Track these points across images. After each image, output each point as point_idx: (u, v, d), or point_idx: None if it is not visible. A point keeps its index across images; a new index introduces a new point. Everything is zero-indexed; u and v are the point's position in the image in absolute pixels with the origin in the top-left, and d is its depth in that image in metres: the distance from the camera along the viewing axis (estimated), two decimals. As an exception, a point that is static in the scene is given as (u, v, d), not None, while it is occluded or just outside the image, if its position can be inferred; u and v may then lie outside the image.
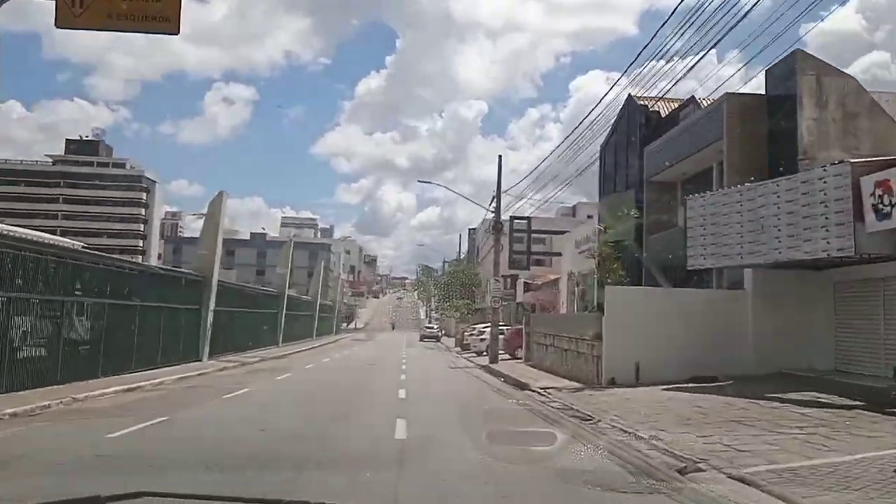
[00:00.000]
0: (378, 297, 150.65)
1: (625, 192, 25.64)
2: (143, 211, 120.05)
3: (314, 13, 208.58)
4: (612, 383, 16.68)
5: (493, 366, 26.48)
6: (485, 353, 35.31)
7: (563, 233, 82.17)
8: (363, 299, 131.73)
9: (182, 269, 27.80)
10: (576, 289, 36.26)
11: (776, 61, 18.08)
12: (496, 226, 29.36)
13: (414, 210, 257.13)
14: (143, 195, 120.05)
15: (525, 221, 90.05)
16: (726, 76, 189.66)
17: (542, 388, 16.86)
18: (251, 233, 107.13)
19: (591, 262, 30.38)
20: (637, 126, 25.69)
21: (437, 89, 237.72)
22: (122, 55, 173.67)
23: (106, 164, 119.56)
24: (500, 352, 29.22)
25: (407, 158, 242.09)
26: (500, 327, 35.45)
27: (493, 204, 30.04)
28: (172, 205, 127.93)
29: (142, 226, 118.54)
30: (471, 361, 31.98)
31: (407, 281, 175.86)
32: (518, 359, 30.07)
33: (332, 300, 72.82)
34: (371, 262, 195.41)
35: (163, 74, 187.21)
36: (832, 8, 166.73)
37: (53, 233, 52.38)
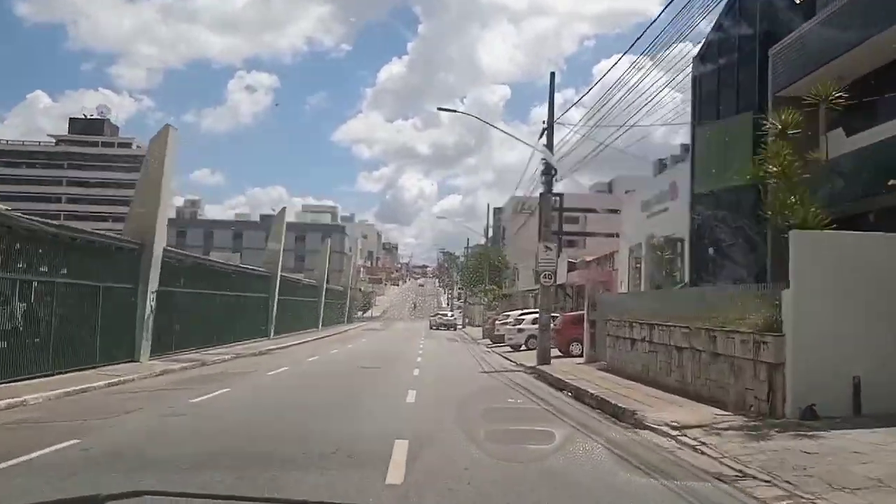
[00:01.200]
0: (398, 285, 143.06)
1: (736, 117, 17.32)
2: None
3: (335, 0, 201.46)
4: (810, 416, 8.57)
5: (544, 369, 18.43)
6: (524, 348, 27.31)
7: (596, 212, 73.33)
8: (382, 286, 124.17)
9: (108, 234, 19.99)
10: (640, 265, 28.02)
11: None
12: (547, 170, 21.19)
13: (435, 197, 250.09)
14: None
15: (556, 198, 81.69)
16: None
17: (669, 426, 8.79)
18: (261, 215, 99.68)
19: (676, 223, 22.21)
20: (755, 18, 17.35)
21: (459, 75, 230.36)
22: (146, 44, 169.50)
23: (111, 144, 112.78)
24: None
25: (428, 145, 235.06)
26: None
27: (543, 138, 21.88)
28: (194, 193, 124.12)
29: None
30: (509, 360, 23.97)
31: (428, 269, 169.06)
32: (575, 356, 22.00)
33: (344, 286, 65.09)
34: (391, 249, 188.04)
35: (185, 63, 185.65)
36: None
37: (57, 217, 45.06)
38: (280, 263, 35.45)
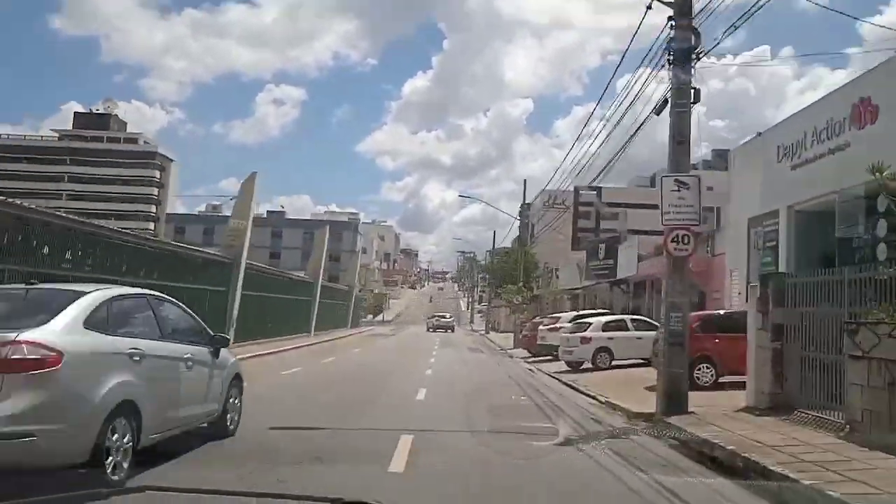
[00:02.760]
0: (415, 288, 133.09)
1: None
2: (155, 191, 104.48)
3: (362, 15, 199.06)
4: None
5: (692, 430, 8.23)
6: (589, 366, 17.29)
7: (640, 206, 63.16)
8: (397, 289, 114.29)
9: None
10: (774, 241, 17.67)
11: None
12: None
13: (457, 207, 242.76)
14: (157, 174, 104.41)
15: (594, 192, 71.43)
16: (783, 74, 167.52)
17: None
18: (267, 210, 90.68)
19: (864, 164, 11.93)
20: None
21: (482, 88, 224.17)
22: (177, 58, 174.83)
23: (117, 140, 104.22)
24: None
25: (451, 156, 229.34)
26: (628, 317, 17.85)
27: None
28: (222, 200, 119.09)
29: (154, 207, 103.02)
30: (580, 391, 13.81)
31: (448, 274, 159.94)
32: (705, 387, 11.82)
33: (349, 284, 55.23)
34: (410, 253, 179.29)
35: (215, 76, 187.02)
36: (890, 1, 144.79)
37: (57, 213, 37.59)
38: (246, 246, 25.55)
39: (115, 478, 5.17)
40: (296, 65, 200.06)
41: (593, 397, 12.53)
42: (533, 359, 24.03)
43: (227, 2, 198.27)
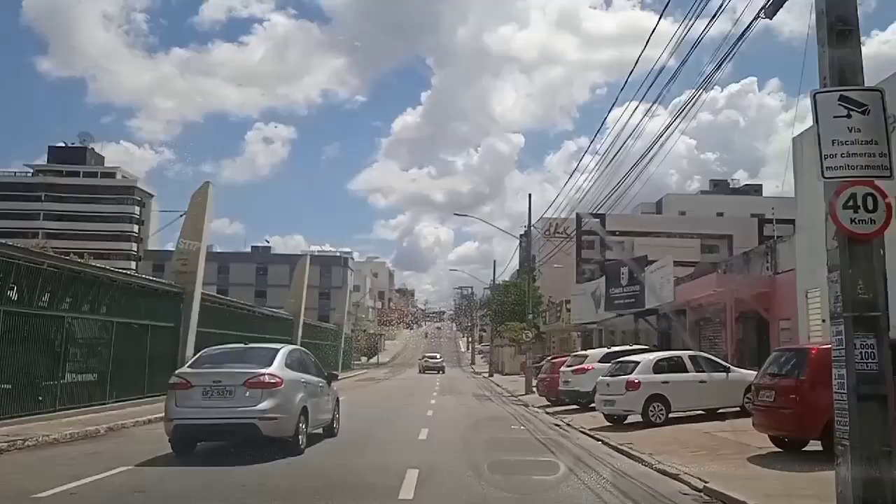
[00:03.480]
0: (411, 328, 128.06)
1: None
2: (135, 228, 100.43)
3: (350, 52, 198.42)
4: None
5: None
6: (636, 418, 12.94)
7: (647, 234, 58.82)
8: (393, 329, 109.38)
9: None
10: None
11: None
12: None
13: (451, 245, 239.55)
14: (136, 209, 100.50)
15: (597, 220, 67.55)
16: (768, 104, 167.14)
17: None
18: (252, 246, 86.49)
19: None
20: None
21: (472, 124, 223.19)
22: (164, 97, 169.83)
23: (94, 174, 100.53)
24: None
25: (443, 193, 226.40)
26: (685, 354, 13.87)
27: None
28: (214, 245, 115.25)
29: (134, 245, 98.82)
30: (675, 477, 8.94)
31: (445, 315, 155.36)
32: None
33: (338, 324, 50.81)
34: (406, 292, 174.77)
35: (203, 115, 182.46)
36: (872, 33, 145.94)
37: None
38: (201, 272, 21.32)
39: (301, 446, 9.97)
40: (284, 102, 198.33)
41: (680, 479, 8.14)
42: (554, 408, 19.61)
43: (215, 40, 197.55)
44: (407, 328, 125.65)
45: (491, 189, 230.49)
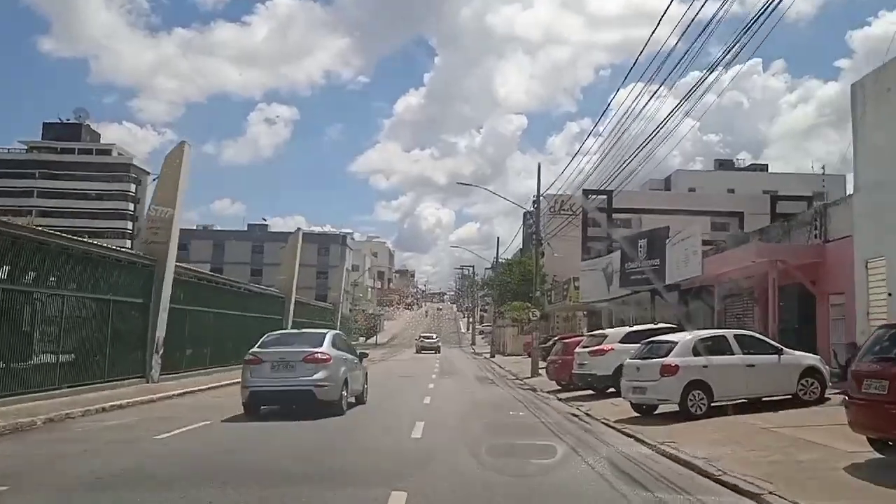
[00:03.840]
0: (411, 309, 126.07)
1: None
2: (131, 206, 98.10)
3: (353, 33, 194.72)
4: None
5: None
6: (673, 407, 10.67)
7: (655, 212, 56.49)
8: (393, 310, 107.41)
9: None
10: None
11: None
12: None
13: (452, 226, 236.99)
14: (132, 187, 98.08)
15: (604, 197, 65.19)
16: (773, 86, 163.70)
17: None
18: (248, 224, 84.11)
19: None
20: None
21: (475, 105, 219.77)
22: (167, 78, 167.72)
23: (89, 151, 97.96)
24: None
25: (445, 174, 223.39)
26: (729, 333, 11.43)
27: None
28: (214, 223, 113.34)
29: (130, 224, 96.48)
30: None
31: (446, 296, 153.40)
32: None
33: (333, 303, 48.68)
34: (406, 273, 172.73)
35: (206, 96, 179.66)
36: (879, 12, 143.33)
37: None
38: (174, 241, 19.09)
39: (344, 408, 12.34)
40: (287, 83, 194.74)
41: None
42: (566, 394, 17.46)
43: (217, 20, 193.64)
44: (407, 309, 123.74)
45: (493, 170, 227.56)
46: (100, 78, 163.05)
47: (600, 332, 17.95)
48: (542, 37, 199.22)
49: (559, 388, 18.88)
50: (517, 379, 24.96)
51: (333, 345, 12.88)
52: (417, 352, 50.64)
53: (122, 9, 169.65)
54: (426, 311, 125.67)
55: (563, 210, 43.37)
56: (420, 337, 57.22)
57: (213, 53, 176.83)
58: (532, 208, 69.75)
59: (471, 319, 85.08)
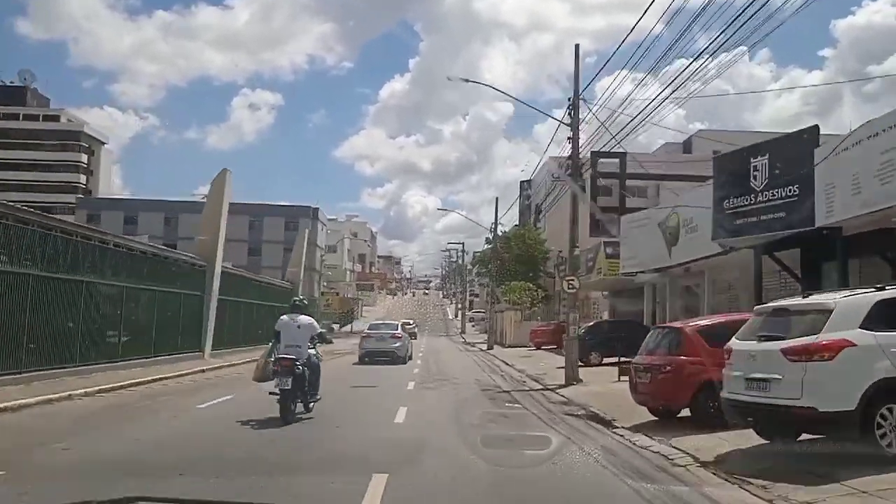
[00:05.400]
0: (394, 295, 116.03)
1: None
2: (82, 178, 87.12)
3: (337, 17, 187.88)
4: None
5: None
6: None
7: (675, 178, 46.43)
8: (374, 295, 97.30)
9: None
10: None
11: None
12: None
13: (439, 215, 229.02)
14: (84, 157, 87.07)
15: (615, 160, 55.31)
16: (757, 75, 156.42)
17: None
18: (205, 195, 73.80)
19: None
20: None
21: (460, 92, 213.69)
22: (148, 62, 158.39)
23: (35, 118, 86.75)
24: None
25: (431, 161, 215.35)
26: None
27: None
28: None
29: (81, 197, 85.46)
30: None
31: (432, 284, 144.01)
32: None
33: (292, 280, 38.63)
34: (391, 260, 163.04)
35: (188, 80, 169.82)
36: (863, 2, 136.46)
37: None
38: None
39: (408, 361, 23.77)
40: (270, 68, 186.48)
41: None
42: (695, 437, 7.61)
43: (199, 3, 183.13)
44: (390, 294, 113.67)
45: (478, 157, 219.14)
46: (80, 61, 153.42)
47: (810, 299, 7.66)
48: (528, 23, 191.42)
49: (652, 416, 9.08)
50: (545, 389, 15.11)
51: (402, 329, 25.59)
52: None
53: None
54: (412, 293, 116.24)
55: (570, 175, 33.78)
56: (401, 323, 42.26)
57: (194, 37, 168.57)
58: (531, 177, 59.43)
59: (460, 305, 75.20)
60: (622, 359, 16.92)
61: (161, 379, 16.27)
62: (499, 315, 39.99)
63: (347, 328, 60.86)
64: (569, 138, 16.36)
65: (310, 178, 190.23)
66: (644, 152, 55.44)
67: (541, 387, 15.71)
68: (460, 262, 76.28)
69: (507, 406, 11.97)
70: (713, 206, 15.47)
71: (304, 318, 10.33)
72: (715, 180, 15.50)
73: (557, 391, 14.57)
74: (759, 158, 14.09)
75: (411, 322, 46.30)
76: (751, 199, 14.16)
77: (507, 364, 23.70)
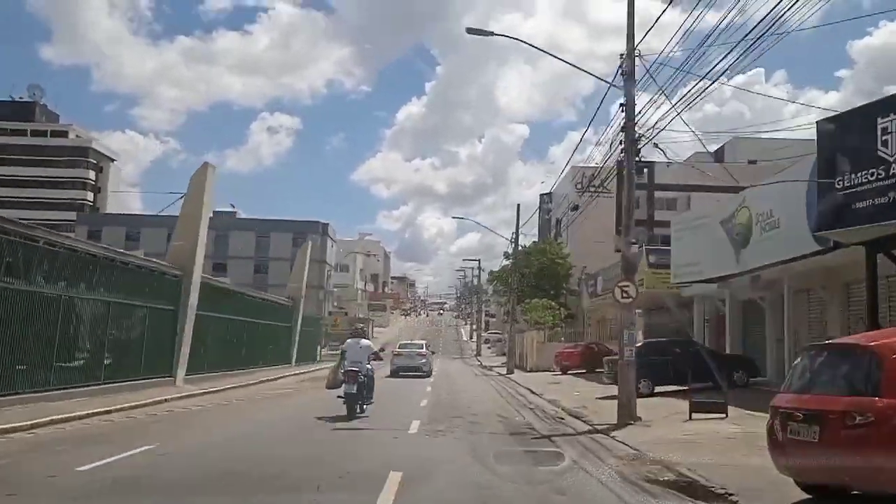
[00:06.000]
0: (408, 315, 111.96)
1: None
2: (90, 195, 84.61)
3: (355, 42, 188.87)
4: None
5: None
6: None
7: (708, 189, 43.01)
8: (387, 315, 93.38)
9: None
10: None
11: None
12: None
13: (454, 236, 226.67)
14: (92, 174, 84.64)
15: (643, 171, 51.25)
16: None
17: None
18: (214, 210, 70.64)
19: None
20: None
21: (476, 114, 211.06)
22: (168, 86, 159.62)
23: (43, 134, 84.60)
24: None
25: (447, 184, 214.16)
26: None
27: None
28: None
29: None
30: None
31: (446, 305, 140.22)
32: None
33: (293, 297, 34.93)
34: (404, 280, 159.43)
35: (208, 105, 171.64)
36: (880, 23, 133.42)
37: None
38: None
39: (430, 376, 27.27)
40: (289, 92, 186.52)
41: None
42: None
43: (219, 28, 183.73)
44: (404, 315, 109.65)
45: (494, 180, 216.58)
46: (102, 86, 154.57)
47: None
48: (544, 45, 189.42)
49: (804, 493, 5.15)
50: (595, 431, 11.15)
51: (426, 348, 30.19)
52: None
53: (124, 16, 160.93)
54: (426, 314, 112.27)
55: (593, 187, 30.09)
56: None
57: (214, 62, 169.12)
58: (552, 190, 55.44)
59: (475, 325, 71.08)
60: (689, 387, 12.98)
61: (98, 413, 12.54)
62: (519, 336, 35.94)
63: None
64: (622, 105, 12.53)
65: (326, 201, 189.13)
66: (673, 160, 51.76)
67: (587, 427, 11.73)
68: (476, 280, 72.40)
69: (553, 464, 8.02)
70: (813, 189, 11.54)
71: (364, 341, 13.41)
72: (819, 153, 11.54)
73: (613, 435, 10.61)
74: (891, 117, 10.17)
75: (421, 345, 40.74)
76: (881, 173, 10.22)
77: (534, 393, 19.68)
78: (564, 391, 19.68)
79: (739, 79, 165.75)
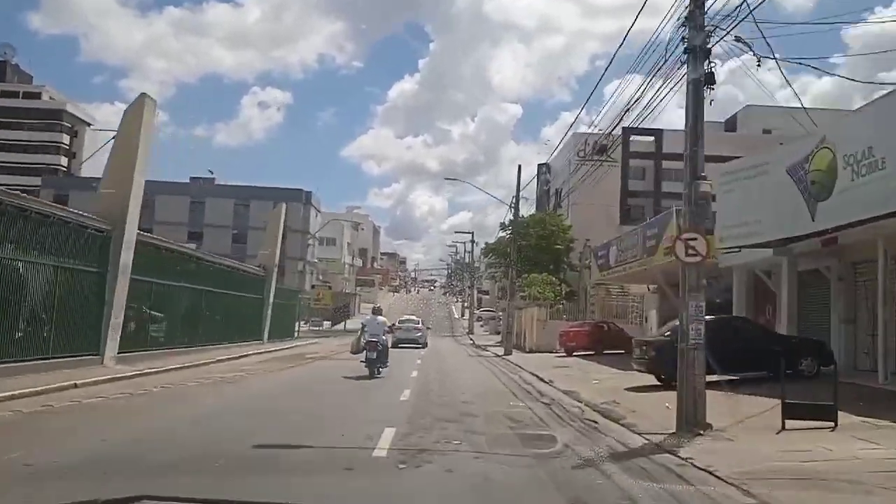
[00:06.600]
0: (397, 292, 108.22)
1: None
2: (63, 160, 79.89)
3: (348, 17, 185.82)
4: None
5: None
6: None
7: (718, 159, 39.28)
8: (375, 291, 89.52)
9: None
10: None
11: None
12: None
13: (445, 214, 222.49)
14: (65, 138, 79.83)
15: (651, 139, 48.05)
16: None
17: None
18: (190, 177, 65.95)
19: None
20: None
21: (469, 92, 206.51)
22: (157, 58, 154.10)
23: (14, 94, 79.50)
24: None
25: (438, 162, 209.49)
26: None
27: None
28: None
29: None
30: None
31: (437, 283, 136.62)
32: None
33: (265, 265, 31.02)
34: (395, 256, 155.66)
35: (197, 77, 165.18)
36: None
37: None
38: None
39: (426, 346, 30.83)
40: (280, 66, 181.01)
41: None
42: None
43: (209, 0, 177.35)
44: (393, 292, 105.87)
45: (486, 159, 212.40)
46: (91, 56, 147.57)
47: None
48: (538, 25, 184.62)
49: None
50: (655, 447, 7.53)
51: (423, 324, 34.61)
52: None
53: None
54: (417, 291, 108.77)
55: (597, 155, 26.19)
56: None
57: (204, 34, 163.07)
58: (549, 160, 51.39)
59: (467, 302, 67.46)
60: (739, 377, 9.30)
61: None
62: (517, 313, 32.28)
63: (340, 326, 53.19)
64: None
65: (317, 177, 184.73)
66: (679, 129, 48.15)
67: (642, 442, 8.05)
68: (468, 256, 68.64)
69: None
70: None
71: (381, 318, 16.22)
72: None
73: (686, 457, 6.92)
74: None
75: (414, 317, 37.67)
76: None
77: (542, 380, 16.00)
78: (579, 378, 16.05)
79: (731, 63, 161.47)
